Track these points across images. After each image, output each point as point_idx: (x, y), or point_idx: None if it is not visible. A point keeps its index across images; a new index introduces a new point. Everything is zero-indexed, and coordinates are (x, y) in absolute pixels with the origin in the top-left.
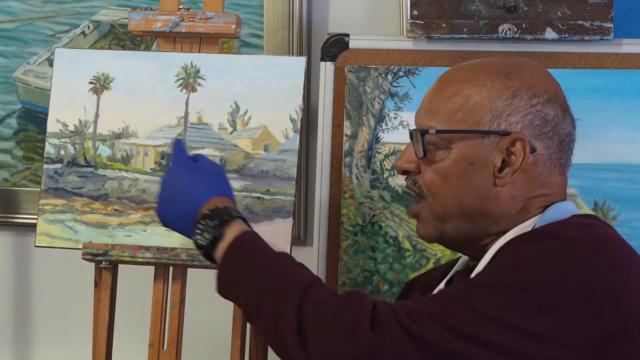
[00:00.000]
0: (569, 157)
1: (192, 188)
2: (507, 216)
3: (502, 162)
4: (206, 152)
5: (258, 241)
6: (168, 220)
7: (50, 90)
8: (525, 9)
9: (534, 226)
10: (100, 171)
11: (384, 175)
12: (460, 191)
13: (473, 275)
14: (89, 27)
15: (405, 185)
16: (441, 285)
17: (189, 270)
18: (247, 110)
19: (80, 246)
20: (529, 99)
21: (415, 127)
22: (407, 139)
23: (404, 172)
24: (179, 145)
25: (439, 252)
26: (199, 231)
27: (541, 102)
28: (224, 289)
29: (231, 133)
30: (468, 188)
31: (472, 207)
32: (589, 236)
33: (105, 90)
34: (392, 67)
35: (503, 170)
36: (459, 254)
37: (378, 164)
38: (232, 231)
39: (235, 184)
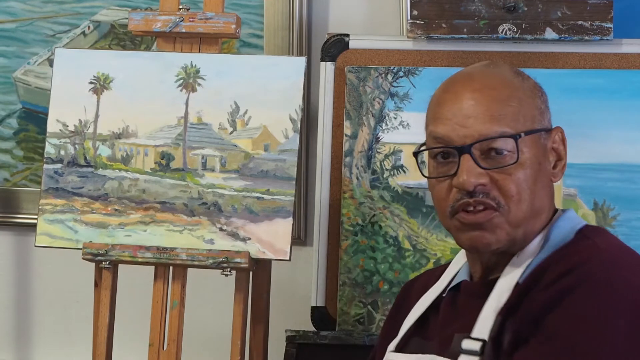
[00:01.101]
0: None
1: None
2: (543, 217)
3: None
4: (206, 152)
5: None
6: None
7: (50, 90)
8: (525, 9)
9: (548, 236)
10: (100, 171)
11: (384, 175)
12: (535, 192)
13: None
14: (89, 27)
15: (473, 201)
16: (437, 290)
17: (189, 270)
18: (247, 110)
19: (81, 246)
20: (542, 95)
21: (473, 142)
22: (407, 139)
23: (476, 188)
24: None
25: (439, 252)
26: None
27: (546, 100)
28: None
29: (231, 133)
30: (540, 187)
31: (539, 207)
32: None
33: (105, 90)
34: (392, 67)
35: (555, 165)
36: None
37: (378, 164)
38: None
39: (235, 184)
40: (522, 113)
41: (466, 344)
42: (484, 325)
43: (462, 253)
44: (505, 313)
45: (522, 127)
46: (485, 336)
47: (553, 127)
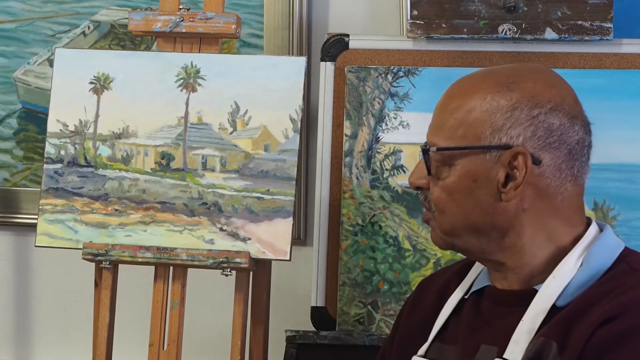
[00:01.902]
0: (584, 165)
1: None
2: (522, 232)
3: (506, 176)
4: (206, 152)
5: None
6: None
7: (50, 90)
8: (525, 9)
9: (581, 263)
10: (101, 171)
11: (384, 175)
12: (466, 207)
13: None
14: (89, 27)
15: (420, 201)
16: (460, 293)
17: (189, 270)
18: (247, 110)
19: (81, 246)
20: (529, 110)
21: (426, 142)
22: (407, 139)
23: (417, 188)
24: None
25: (439, 252)
26: None
27: (544, 112)
28: None
29: (231, 133)
30: (473, 204)
31: (480, 222)
32: None
33: (105, 90)
34: (392, 67)
35: (507, 184)
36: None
37: (378, 164)
38: None
39: (235, 184)
40: (465, 127)
41: None
42: (517, 346)
43: None
44: (546, 335)
45: (452, 142)
46: (519, 358)
47: (521, 145)
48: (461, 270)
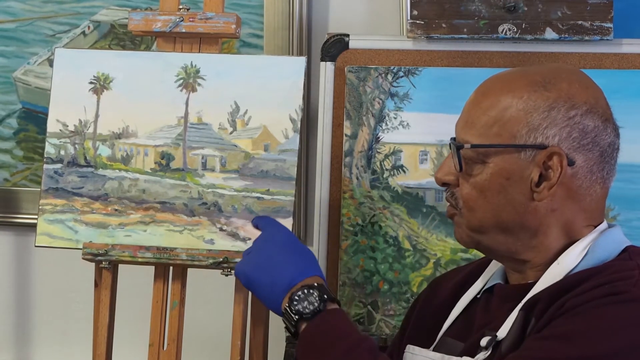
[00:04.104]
0: (612, 167)
1: (294, 260)
2: (549, 232)
3: (539, 176)
4: (206, 152)
5: (345, 321)
6: (252, 281)
7: (50, 90)
8: (525, 9)
9: (586, 253)
10: (100, 171)
11: (384, 175)
12: (497, 205)
13: (530, 296)
14: (89, 27)
15: (445, 197)
16: (473, 292)
17: (189, 270)
18: (247, 110)
19: (81, 246)
20: (566, 111)
21: (454, 138)
22: (407, 139)
23: (444, 184)
24: (266, 220)
25: (439, 252)
26: (297, 299)
27: (580, 113)
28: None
29: (231, 133)
30: (505, 203)
31: (510, 221)
32: None
33: (105, 90)
34: (392, 67)
35: (540, 184)
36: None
37: (378, 164)
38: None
39: (235, 184)
40: (499, 125)
41: (484, 341)
42: (508, 325)
43: None
44: (528, 309)
45: (486, 140)
46: (505, 333)
47: (557, 148)
48: (475, 270)
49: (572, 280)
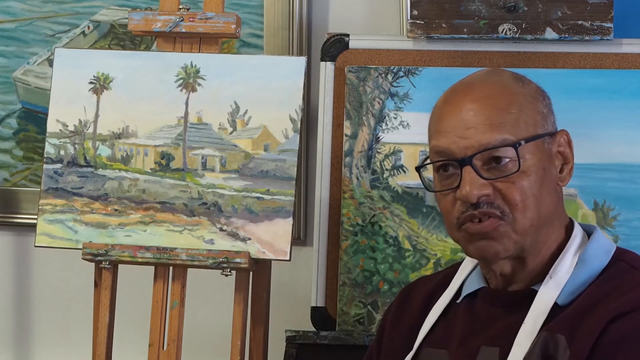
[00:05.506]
0: None
1: None
2: (555, 222)
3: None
4: (206, 152)
5: None
6: None
7: (50, 90)
8: (525, 9)
9: (583, 257)
10: (100, 171)
11: (384, 175)
12: (543, 200)
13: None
14: (89, 27)
15: (478, 213)
16: (446, 298)
17: (189, 270)
18: (247, 110)
19: (80, 246)
20: (543, 99)
21: (472, 155)
22: (407, 139)
23: (478, 199)
24: None
25: (439, 252)
26: None
27: (547, 101)
28: None
29: (231, 133)
30: (546, 193)
31: (549, 213)
32: None
33: (105, 90)
34: (392, 67)
35: (562, 169)
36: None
37: (378, 164)
38: None
39: (235, 184)
40: (523, 119)
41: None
42: (519, 348)
43: (469, 259)
44: (551, 330)
45: (524, 134)
46: (520, 352)
47: (558, 129)
48: (445, 279)
49: (583, 300)
